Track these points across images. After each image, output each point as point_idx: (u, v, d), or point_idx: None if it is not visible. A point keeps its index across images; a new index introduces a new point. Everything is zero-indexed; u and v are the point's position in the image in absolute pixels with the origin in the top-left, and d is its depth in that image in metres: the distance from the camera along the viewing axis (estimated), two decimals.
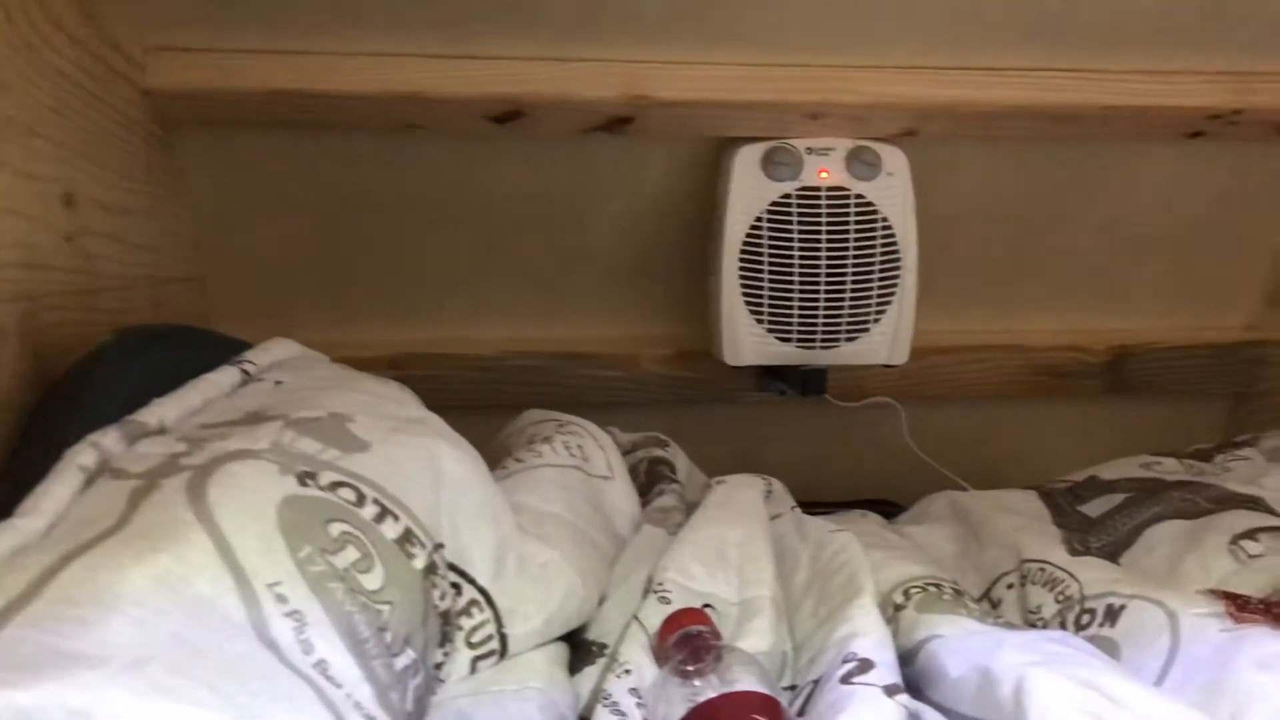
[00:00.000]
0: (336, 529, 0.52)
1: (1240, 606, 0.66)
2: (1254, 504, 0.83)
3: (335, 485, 0.53)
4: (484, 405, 1.24)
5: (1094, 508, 0.89)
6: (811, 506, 1.31)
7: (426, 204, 1.15)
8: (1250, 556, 0.74)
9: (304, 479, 0.53)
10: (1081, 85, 1.06)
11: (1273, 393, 1.29)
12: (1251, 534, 0.77)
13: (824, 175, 1.08)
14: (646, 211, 1.18)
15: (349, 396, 0.61)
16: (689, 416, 1.30)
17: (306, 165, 1.10)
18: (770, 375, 1.18)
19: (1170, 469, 0.94)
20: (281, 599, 0.48)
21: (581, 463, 0.75)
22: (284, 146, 1.08)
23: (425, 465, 0.58)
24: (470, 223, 1.18)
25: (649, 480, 0.84)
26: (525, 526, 0.65)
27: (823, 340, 1.11)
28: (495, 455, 0.85)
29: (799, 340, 1.11)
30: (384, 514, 0.53)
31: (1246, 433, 1.32)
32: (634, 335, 1.26)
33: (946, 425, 1.31)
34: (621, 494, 0.76)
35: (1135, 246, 1.25)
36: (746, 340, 1.11)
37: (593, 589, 0.66)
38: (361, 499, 0.53)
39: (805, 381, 1.15)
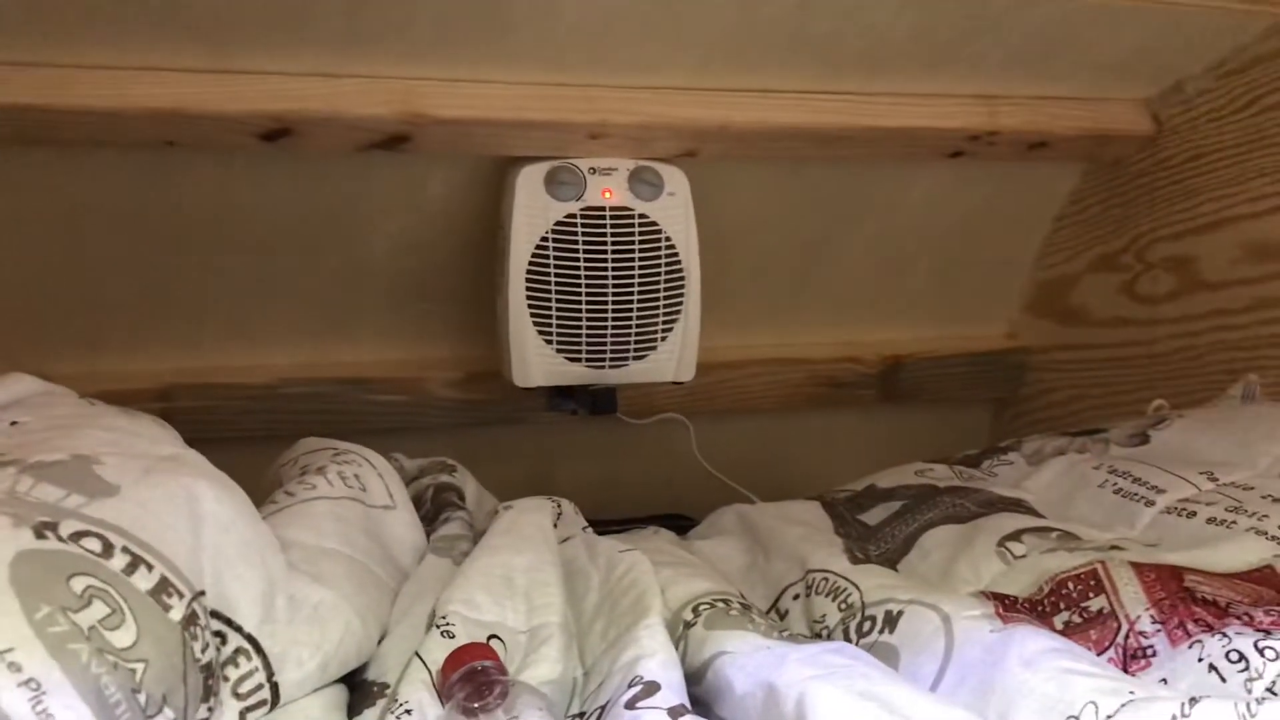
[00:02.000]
0: (80, 584, 0.47)
1: (1008, 606, 0.70)
2: (1018, 506, 0.88)
3: (79, 535, 0.49)
4: (260, 436, 1.18)
5: (873, 516, 0.92)
6: (606, 524, 1.31)
7: (187, 224, 1.09)
8: (1016, 557, 0.78)
9: (42, 531, 0.48)
10: (847, 107, 1.10)
11: (1033, 396, 1.38)
12: (1016, 535, 0.81)
13: (607, 195, 1.08)
14: (429, 231, 1.15)
15: (96, 435, 0.56)
16: (479, 439, 1.27)
17: (48, 183, 1.02)
18: (561, 395, 1.17)
19: (942, 475, 0.98)
20: (14, 667, 0.43)
21: (359, 493, 0.72)
22: (17, 162, 0.99)
23: (183, 507, 0.53)
24: (237, 243, 1.12)
25: (435, 508, 0.81)
26: (297, 565, 0.62)
27: (611, 359, 1.11)
28: (267, 489, 0.80)
29: (588, 360, 1.11)
30: (136, 563, 0.49)
31: (1012, 436, 1.41)
32: (419, 358, 1.23)
33: (734, 438, 1.34)
34: (404, 524, 0.73)
35: (903, 261, 1.31)
36: (536, 361, 1.10)
37: (373, 627, 0.63)
38: (109, 549, 0.48)
39: (595, 401, 1.15)
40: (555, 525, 0.82)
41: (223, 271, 1.13)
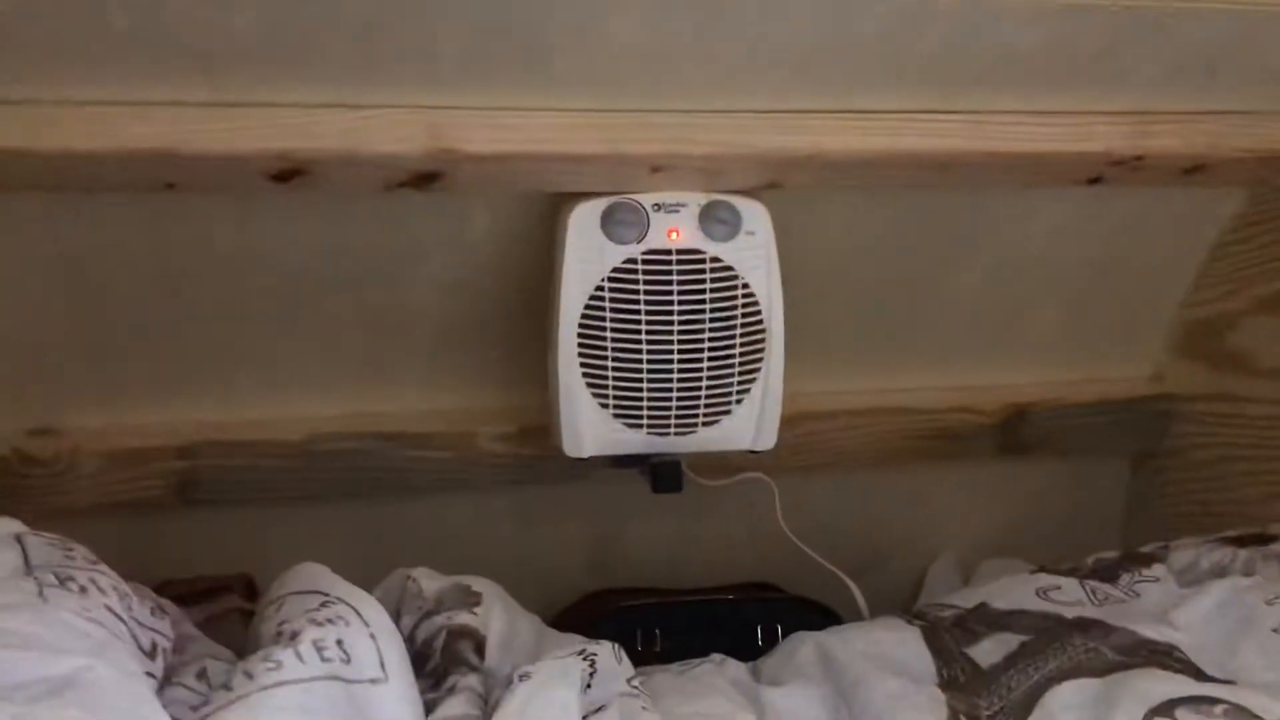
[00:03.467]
0: None
1: None
2: (1168, 656, 0.70)
3: None
4: (294, 497, 1.07)
5: (985, 652, 0.75)
6: (680, 595, 1.18)
7: (204, 266, 0.97)
8: None
9: None
10: (963, 129, 0.91)
11: (1180, 451, 1.18)
12: (1169, 709, 0.63)
13: (674, 236, 0.93)
14: (475, 272, 1.01)
15: None
16: (536, 497, 1.14)
17: (46, 231, 0.91)
18: (624, 458, 1.02)
19: (1070, 596, 0.80)
20: None
21: (340, 666, 0.58)
22: (5, 209, 0.88)
23: None
24: (262, 286, 0.99)
25: (444, 663, 0.67)
26: None
27: (677, 426, 0.96)
28: (253, 634, 0.68)
29: (650, 427, 0.96)
30: None
31: (1153, 496, 1.21)
32: (468, 409, 1.09)
33: (826, 497, 1.18)
34: (396, 699, 0.59)
35: (1029, 296, 1.12)
36: (589, 427, 0.95)
37: None
38: None
39: (657, 477, 1.00)
40: (589, 686, 0.67)
41: (246, 317, 1.01)
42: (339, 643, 0.59)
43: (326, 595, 0.64)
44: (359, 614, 0.62)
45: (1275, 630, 0.70)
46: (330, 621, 0.60)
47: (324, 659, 0.58)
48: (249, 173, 0.85)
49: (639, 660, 1.10)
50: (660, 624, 1.12)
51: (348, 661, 0.59)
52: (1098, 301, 1.14)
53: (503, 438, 1.08)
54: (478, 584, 0.78)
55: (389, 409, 1.08)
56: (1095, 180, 0.97)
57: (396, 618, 0.71)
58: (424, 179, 0.88)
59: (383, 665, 0.60)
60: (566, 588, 1.17)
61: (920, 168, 0.94)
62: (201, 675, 0.60)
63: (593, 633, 1.13)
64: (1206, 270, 1.12)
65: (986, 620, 0.79)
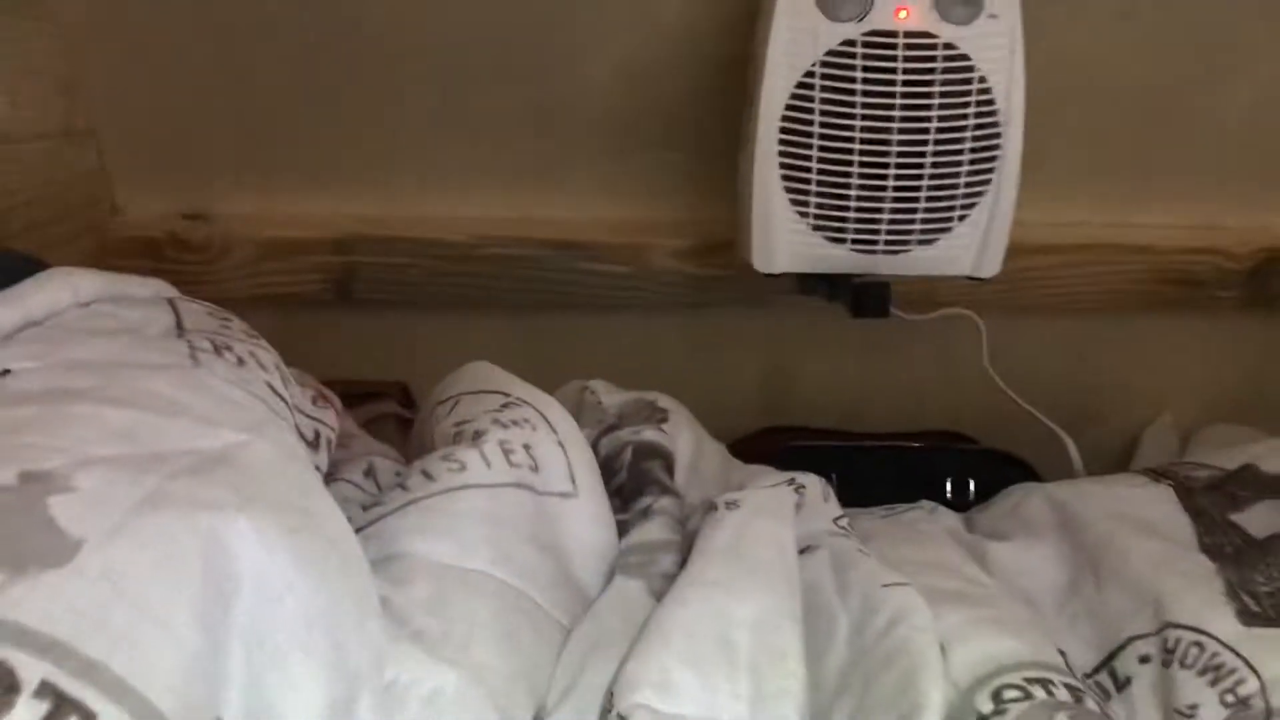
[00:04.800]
0: None
1: None
2: None
3: None
4: (454, 302, 0.99)
5: (1256, 520, 0.63)
6: (860, 439, 1.07)
7: (362, 44, 0.88)
8: None
9: None
10: None
11: None
12: None
13: (903, 15, 0.78)
14: (662, 55, 0.89)
15: (100, 420, 0.36)
16: (709, 322, 1.03)
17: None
18: (816, 279, 0.91)
19: None
20: None
21: (528, 474, 0.50)
22: None
23: (194, 572, 0.33)
24: (424, 69, 0.90)
25: (633, 481, 0.58)
26: (413, 614, 0.41)
27: (888, 242, 0.83)
28: (418, 439, 0.60)
29: (856, 242, 0.83)
30: (62, 710, 0.28)
31: None
32: (643, 219, 0.98)
33: (1039, 343, 1.04)
34: (588, 519, 0.51)
35: None
36: (785, 239, 0.83)
37: (524, 712, 0.42)
38: (12, 688, 0.28)
39: (859, 299, 0.87)
40: (796, 516, 0.58)
41: (407, 103, 0.92)
42: (526, 447, 0.50)
43: (508, 395, 0.55)
44: (545, 419, 0.53)
45: None
46: (515, 424, 0.51)
47: (511, 464, 0.49)
48: None
49: None
50: (836, 469, 1.02)
51: (536, 470, 0.50)
52: None
53: (680, 253, 0.97)
54: (663, 400, 0.69)
55: (559, 215, 0.98)
56: None
57: None
58: None
59: (573, 478, 0.51)
60: (737, 422, 1.07)
61: None
62: (369, 473, 0.53)
63: None
64: None
65: (1256, 484, 0.66)
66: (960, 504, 1.01)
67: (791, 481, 0.62)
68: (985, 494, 1.01)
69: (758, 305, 1.01)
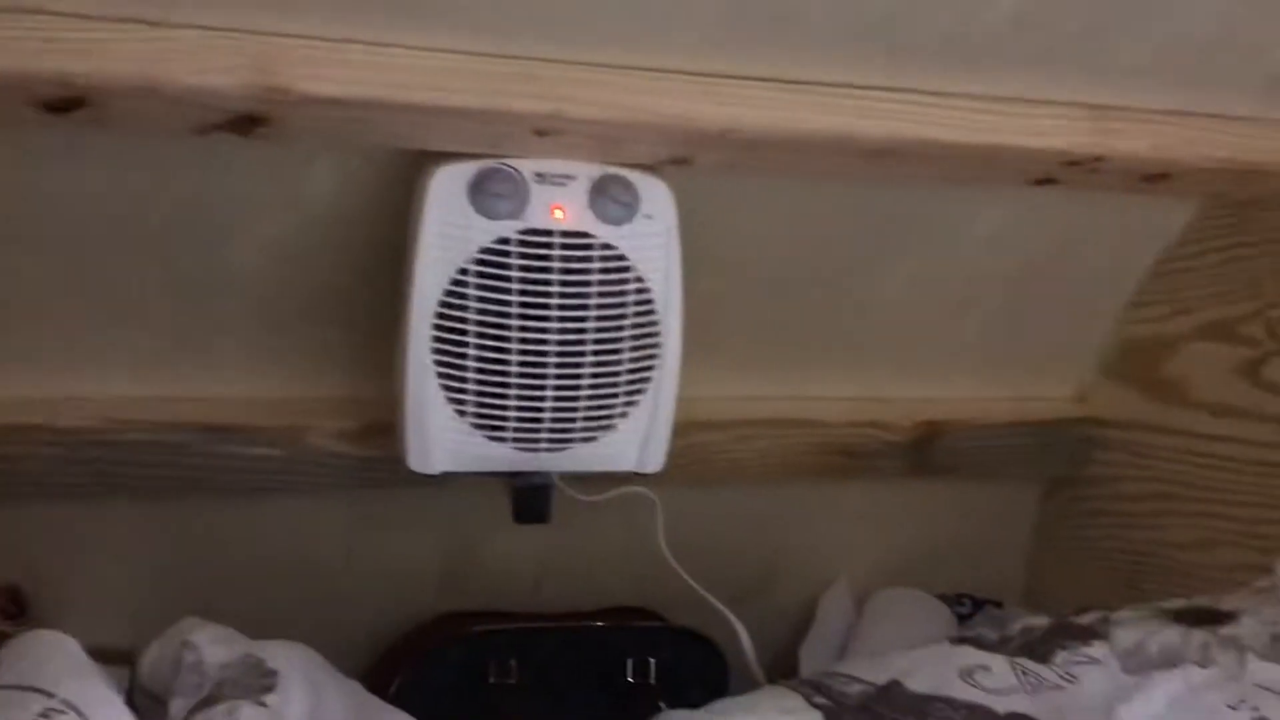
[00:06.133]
0: None
1: None
2: None
3: None
4: (84, 494, 0.88)
5: None
6: (544, 620, 1.03)
7: None
8: None
9: None
10: (907, 111, 0.77)
11: (1100, 482, 1.07)
12: None
13: (559, 215, 0.77)
14: (313, 238, 0.84)
15: None
16: (381, 504, 0.97)
17: None
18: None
19: (999, 681, 0.68)
20: None
21: None
22: None
23: None
24: (45, 241, 0.80)
25: None
26: None
27: (550, 442, 0.80)
28: None
29: (517, 440, 0.80)
30: None
31: (1065, 525, 1.11)
32: (300, 399, 0.91)
33: (717, 515, 1.04)
34: None
35: (953, 305, 1.00)
36: (442, 439, 0.79)
37: None
38: None
39: (520, 503, 0.84)
40: None
41: (24, 277, 0.82)
42: None
43: (50, 696, 0.47)
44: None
45: None
46: None
47: None
48: (15, 100, 0.66)
49: (493, 694, 0.97)
50: (518, 653, 0.98)
51: None
52: (1026, 315, 1.02)
53: (342, 435, 0.91)
54: (274, 656, 0.62)
55: (204, 394, 0.90)
56: (1045, 181, 0.85)
57: (168, 696, 0.55)
58: (246, 122, 0.70)
59: None
60: (413, 609, 1.01)
61: (852, 153, 0.80)
62: None
63: (441, 661, 0.99)
64: (1147, 288, 1.01)
65: (901, 705, 0.66)
66: (643, 684, 0.99)
67: None
68: (668, 673, 1.00)
69: (432, 486, 0.96)
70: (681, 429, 0.90)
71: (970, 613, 1.07)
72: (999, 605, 1.10)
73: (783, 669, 1.05)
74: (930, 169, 0.83)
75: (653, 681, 0.99)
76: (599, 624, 1.01)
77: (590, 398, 0.80)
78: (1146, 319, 1.02)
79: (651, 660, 0.99)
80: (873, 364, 1.02)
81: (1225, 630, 0.69)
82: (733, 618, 0.94)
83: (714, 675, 0.98)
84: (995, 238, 0.94)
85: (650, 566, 0.97)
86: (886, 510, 1.10)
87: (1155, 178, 0.86)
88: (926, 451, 1.05)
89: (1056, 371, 1.07)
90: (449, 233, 0.76)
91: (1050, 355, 1.06)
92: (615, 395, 0.81)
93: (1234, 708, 0.62)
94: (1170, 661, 0.67)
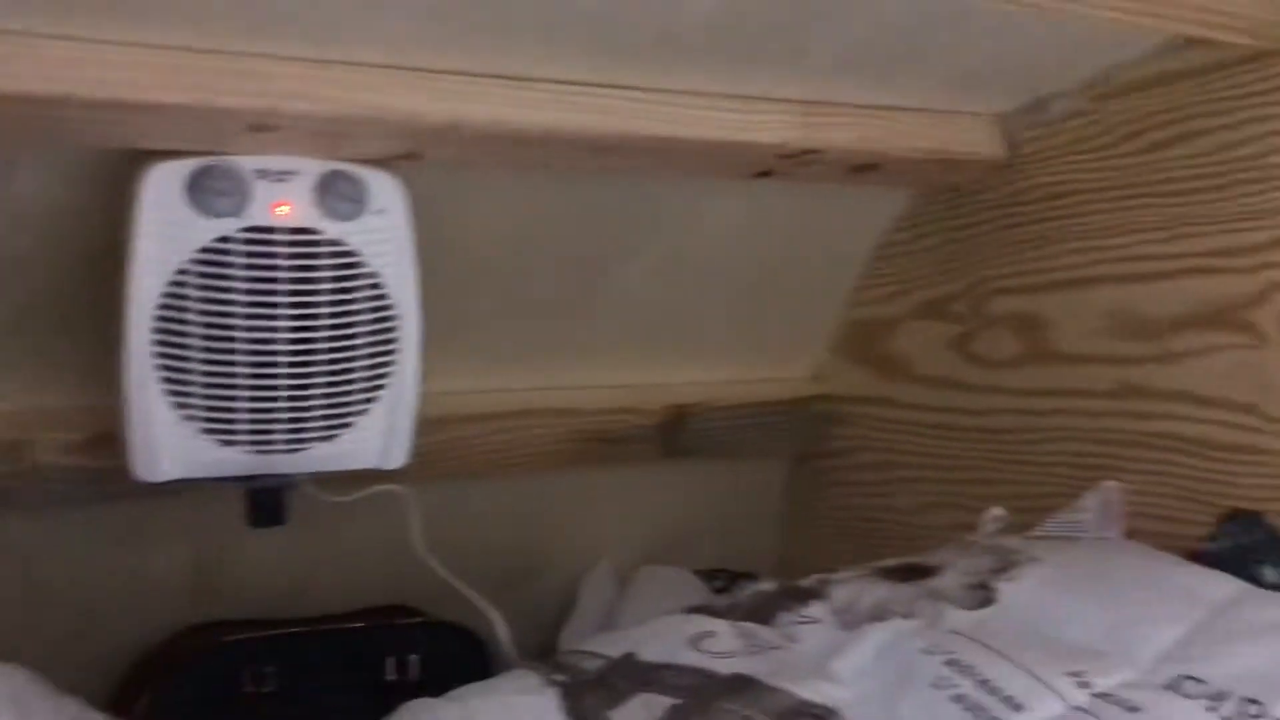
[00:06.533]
0: None
1: None
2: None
3: None
4: None
5: (631, 715, 0.65)
6: (301, 625, 1.01)
7: None
8: None
9: None
10: (629, 108, 0.80)
11: (839, 454, 1.14)
12: None
13: (283, 211, 0.76)
14: (23, 240, 0.80)
15: None
16: (116, 516, 0.93)
17: None
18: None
19: (724, 644, 0.71)
20: None
21: None
22: None
23: None
24: None
25: None
26: None
27: (286, 443, 0.79)
28: None
29: (251, 443, 0.78)
30: None
31: (811, 496, 1.18)
32: (21, 412, 0.87)
33: (475, 508, 1.05)
34: None
35: (694, 293, 1.04)
36: (170, 444, 0.77)
37: None
38: None
39: (255, 507, 0.83)
40: None
41: None
42: None
43: None
44: None
45: (934, 687, 0.65)
46: None
47: None
48: None
49: (249, 704, 0.95)
50: (274, 660, 0.96)
51: None
52: (763, 300, 1.07)
53: (69, 447, 0.87)
54: None
55: None
56: (764, 174, 0.90)
57: None
58: None
59: None
60: (167, 623, 0.98)
61: (578, 148, 0.82)
62: None
63: (192, 674, 0.96)
64: (869, 272, 1.08)
65: (633, 675, 0.69)
66: (404, 681, 0.99)
67: None
68: (429, 668, 1.00)
69: (172, 494, 0.92)
70: (436, 424, 0.91)
71: (725, 586, 1.12)
72: (753, 577, 1.15)
73: (549, 655, 1.07)
74: (655, 163, 0.86)
75: (413, 678, 0.99)
76: (357, 625, 1.00)
77: (326, 396, 0.79)
78: (869, 301, 1.09)
79: (412, 657, 0.99)
80: (623, 352, 1.05)
81: (929, 583, 0.75)
82: (487, 607, 0.95)
83: (475, 667, 0.99)
84: (728, 228, 0.99)
85: (409, 564, 0.97)
86: (643, 493, 1.13)
87: (865, 168, 0.92)
88: (677, 434, 1.09)
89: (793, 353, 1.14)
90: (166, 232, 0.73)
91: (787, 338, 1.12)
92: (352, 393, 0.80)
93: (930, 653, 0.67)
94: (880, 616, 0.73)
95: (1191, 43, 0.79)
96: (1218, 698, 0.62)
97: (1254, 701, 0.60)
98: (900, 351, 1.07)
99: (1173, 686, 0.63)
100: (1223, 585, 0.69)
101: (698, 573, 1.15)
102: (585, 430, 1.05)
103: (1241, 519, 0.76)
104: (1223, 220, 0.81)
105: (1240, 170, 0.80)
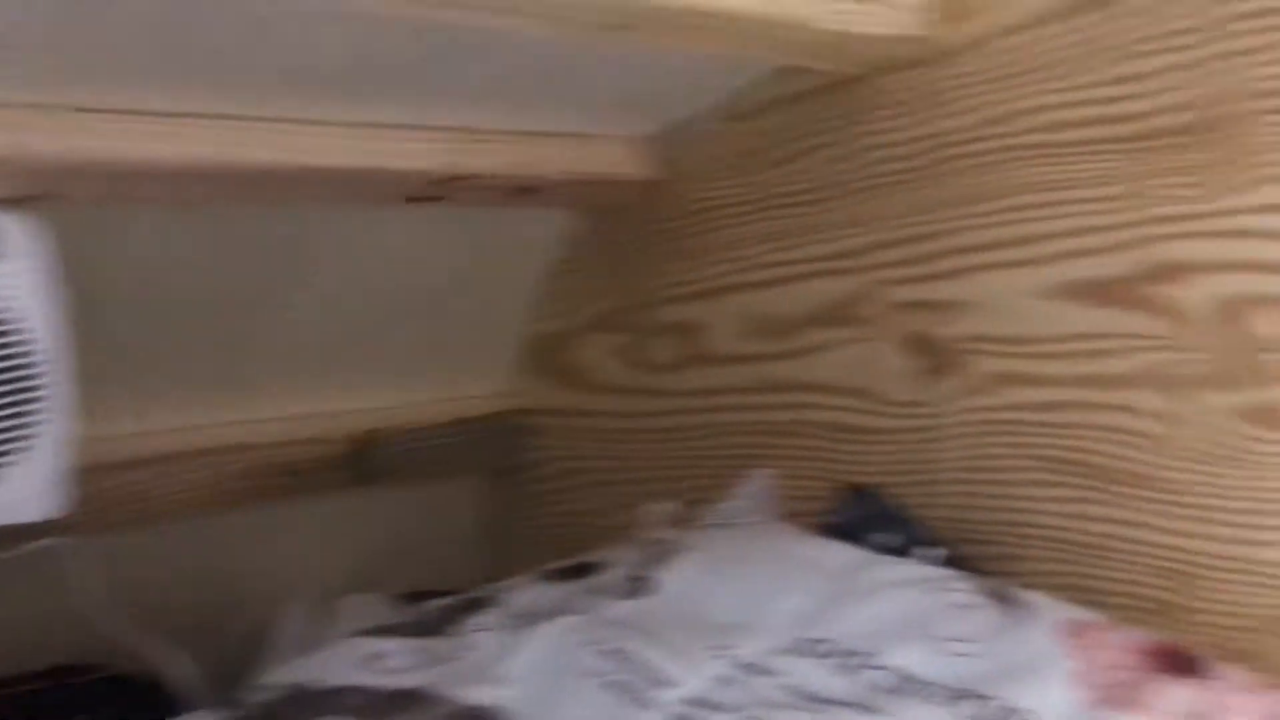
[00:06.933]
0: None
1: None
2: None
3: None
4: None
5: None
6: None
7: None
8: None
9: None
10: (270, 139, 0.81)
11: (535, 465, 1.18)
12: None
13: None
14: None
15: None
16: None
17: None
18: None
19: (400, 661, 0.73)
20: None
21: None
22: None
23: None
24: None
25: None
26: None
27: None
28: None
29: None
30: None
31: (511, 512, 1.21)
32: None
33: (164, 552, 1.02)
34: None
35: (375, 318, 1.05)
36: None
37: None
38: None
39: None
40: None
41: None
42: None
43: None
44: None
45: (590, 674, 0.68)
46: None
47: None
48: None
49: None
50: None
51: None
52: (444, 321, 1.10)
53: None
54: None
55: None
56: (421, 199, 0.92)
57: None
58: None
59: None
60: None
61: (228, 181, 0.82)
62: None
63: None
64: (547, 289, 1.13)
65: (303, 703, 0.70)
66: None
67: None
68: None
69: None
70: (103, 471, 0.88)
71: None
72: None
73: None
74: (311, 192, 0.87)
75: None
76: (29, 689, 0.95)
77: None
78: (547, 315, 1.14)
79: (91, 716, 0.95)
80: (300, 381, 1.05)
81: (594, 580, 0.80)
82: (170, 653, 0.93)
83: (161, 716, 0.96)
84: (395, 253, 1.01)
85: (88, 618, 0.93)
86: (337, 522, 1.13)
87: (524, 191, 0.96)
88: (367, 460, 1.09)
89: (481, 371, 1.16)
90: None
91: (473, 356, 1.15)
92: None
93: (587, 644, 0.71)
94: (550, 616, 0.76)
95: (788, 71, 0.88)
96: (843, 655, 0.69)
97: (865, 654, 0.68)
98: (579, 363, 1.12)
99: (802, 649, 0.70)
100: (841, 554, 0.77)
101: (406, 596, 1.16)
102: (267, 464, 1.04)
103: (857, 492, 0.85)
104: (836, 227, 0.90)
105: (847, 181, 0.89)
